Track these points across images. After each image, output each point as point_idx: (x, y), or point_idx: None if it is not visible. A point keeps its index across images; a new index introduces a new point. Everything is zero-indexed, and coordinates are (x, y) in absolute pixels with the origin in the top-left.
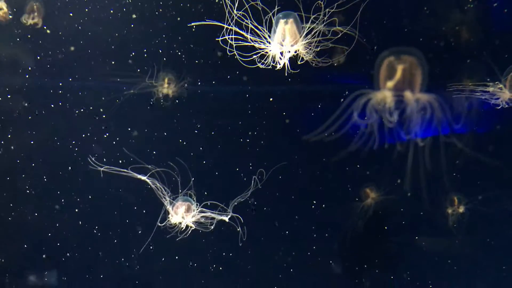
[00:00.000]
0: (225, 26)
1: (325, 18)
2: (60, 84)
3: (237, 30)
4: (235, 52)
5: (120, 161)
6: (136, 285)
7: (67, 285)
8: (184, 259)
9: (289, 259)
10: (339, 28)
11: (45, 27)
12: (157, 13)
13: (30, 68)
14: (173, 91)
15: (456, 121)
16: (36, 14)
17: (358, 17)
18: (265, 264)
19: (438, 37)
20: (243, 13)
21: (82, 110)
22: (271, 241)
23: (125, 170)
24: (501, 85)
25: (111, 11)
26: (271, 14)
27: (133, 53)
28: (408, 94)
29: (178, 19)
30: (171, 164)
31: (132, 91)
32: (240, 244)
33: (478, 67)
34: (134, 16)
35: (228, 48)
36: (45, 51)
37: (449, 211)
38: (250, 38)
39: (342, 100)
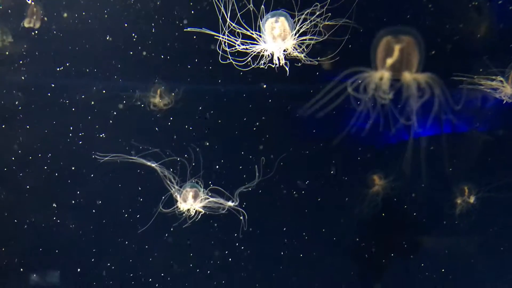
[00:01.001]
0: (220, 36)
1: (322, 13)
2: (54, 84)
3: (231, 40)
4: (230, 60)
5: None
6: (141, 273)
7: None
8: (185, 250)
9: (292, 249)
10: (330, 22)
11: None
12: (153, 26)
13: (28, 67)
14: (165, 104)
15: (456, 103)
16: (37, 17)
17: (354, 7)
18: (267, 256)
19: (440, 32)
20: (235, 25)
21: (80, 108)
22: (273, 232)
23: (134, 158)
24: (501, 78)
25: (106, 16)
26: (259, 18)
27: (129, 55)
28: (405, 74)
29: (176, 24)
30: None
31: (139, 103)
32: (241, 236)
33: (480, 62)
34: (126, 23)
35: (221, 53)
36: (44, 50)
37: (458, 201)
38: (243, 43)
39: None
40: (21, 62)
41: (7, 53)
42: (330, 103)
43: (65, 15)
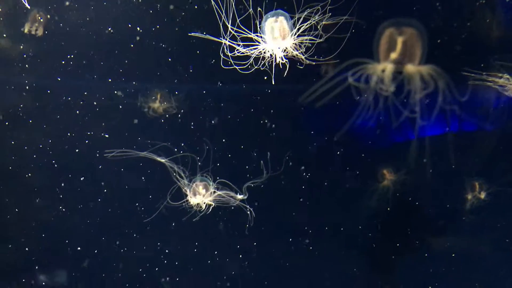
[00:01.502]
0: (223, 41)
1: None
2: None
3: (232, 44)
4: (232, 63)
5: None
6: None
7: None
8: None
9: (297, 244)
10: (329, 22)
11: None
12: (155, 28)
13: (30, 66)
14: (165, 109)
15: (461, 95)
16: (39, 23)
17: (356, 6)
18: (272, 252)
19: (446, 30)
20: (237, 29)
21: (82, 107)
22: (280, 227)
23: (142, 153)
24: (508, 76)
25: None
26: (258, 20)
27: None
28: (409, 67)
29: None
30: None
31: (145, 109)
32: (247, 233)
33: (487, 60)
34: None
35: (223, 57)
36: (46, 50)
37: (469, 197)
38: (244, 46)
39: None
40: (24, 56)
41: (11, 52)
42: (330, 92)
43: (67, 6)
